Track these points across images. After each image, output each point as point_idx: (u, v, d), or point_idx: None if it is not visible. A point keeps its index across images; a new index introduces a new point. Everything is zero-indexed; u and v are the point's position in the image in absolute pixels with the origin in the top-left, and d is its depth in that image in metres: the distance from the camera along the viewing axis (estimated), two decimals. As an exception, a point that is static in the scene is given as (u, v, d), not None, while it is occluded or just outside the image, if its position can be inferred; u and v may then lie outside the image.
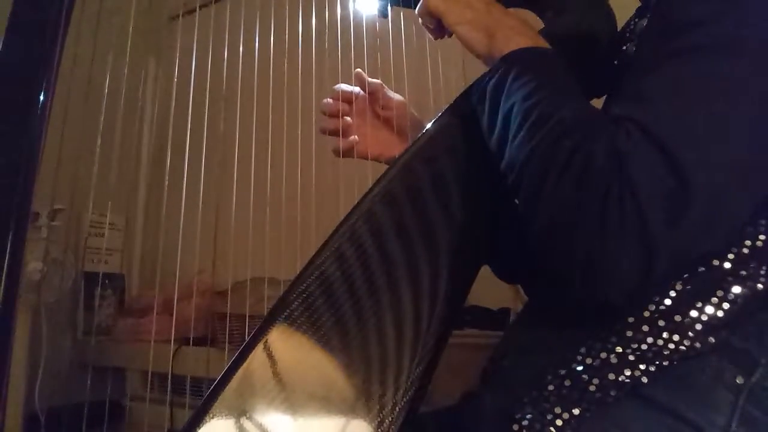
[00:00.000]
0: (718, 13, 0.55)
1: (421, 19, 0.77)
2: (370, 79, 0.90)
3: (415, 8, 0.80)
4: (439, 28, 0.75)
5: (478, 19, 0.70)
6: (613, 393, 0.56)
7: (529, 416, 0.58)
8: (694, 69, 0.54)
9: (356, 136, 0.88)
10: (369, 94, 0.90)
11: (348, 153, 0.88)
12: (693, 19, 0.55)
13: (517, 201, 0.63)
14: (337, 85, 0.89)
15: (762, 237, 0.56)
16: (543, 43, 0.67)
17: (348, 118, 0.88)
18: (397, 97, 0.91)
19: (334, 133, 0.87)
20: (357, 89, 0.90)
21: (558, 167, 0.55)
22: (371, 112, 0.91)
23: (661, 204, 0.50)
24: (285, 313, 0.61)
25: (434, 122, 0.73)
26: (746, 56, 0.53)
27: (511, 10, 0.88)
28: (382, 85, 0.90)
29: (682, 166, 0.50)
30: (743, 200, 0.54)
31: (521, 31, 0.68)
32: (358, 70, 0.90)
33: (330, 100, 0.89)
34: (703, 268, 0.56)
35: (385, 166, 0.79)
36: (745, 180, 0.53)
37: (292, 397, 0.58)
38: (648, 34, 0.67)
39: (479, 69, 0.71)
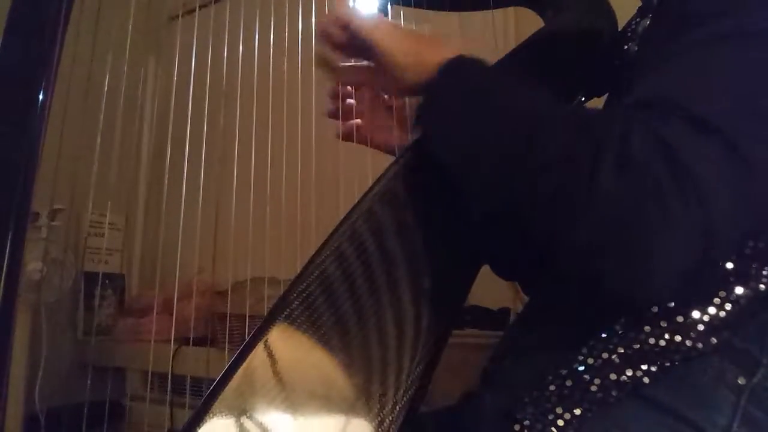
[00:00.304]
0: (728, 3, 0.54)
1: (330, 37, 0.71)
2: None
3: (415, 7, 0.80)
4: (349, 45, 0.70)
5: (398, 31, 0.68)
6: (614, 393, 0.56)
7: (530, 416, 0.58)
8: (720, 55, 0.53)
9: (359, 120, 0.87)
10: None
11: (348, 137, 0.88)
12: (707, 11, 0.55)
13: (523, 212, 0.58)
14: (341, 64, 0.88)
15: (764, 238, 0.56)
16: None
17: (350, 101, 0.87)
18: None
19: (335, 115, 0.86)
20: None
21: (589, 165, 0.50)
22: (376, 100, 0.90)
23: (722, 190, 0.48)
24: (285, 313, 0.61)
25: None
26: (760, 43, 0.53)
27: (510, 9, 0.88)
28: None
29: (734, 143, 0.48)
30: None
31: (445, 42, 0.65)
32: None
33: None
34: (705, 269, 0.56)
35: (386, 165, 0.79)
36: None
37: (293, 396, 0.58)
38: (650, 33, 0.67)
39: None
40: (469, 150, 0.60)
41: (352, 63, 0.74)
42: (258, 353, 0.59)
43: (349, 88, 0.87)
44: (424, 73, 0.64)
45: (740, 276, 0.55)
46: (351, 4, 0.90)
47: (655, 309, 0.57)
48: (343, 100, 0.86)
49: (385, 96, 0.89)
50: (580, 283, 0.57)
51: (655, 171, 0.48)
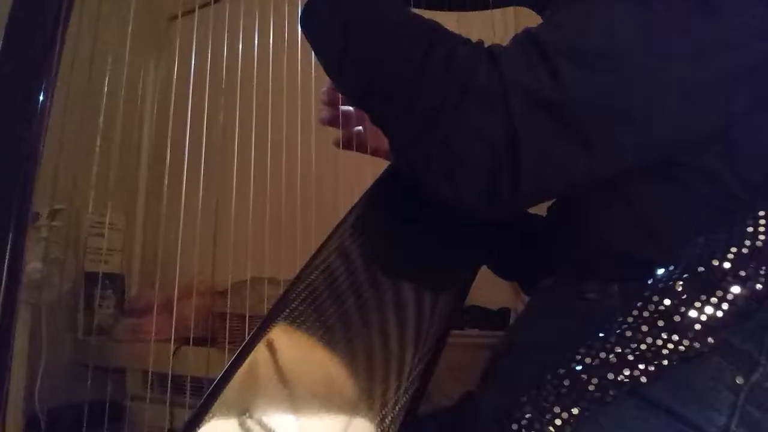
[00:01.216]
0: None
1: None
2: None
3: (414, 7, 0.80)
4: None
5: None
6: (612, 392, 0.56)
7: (528, 416, 0.58)
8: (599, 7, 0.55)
9: (360, 127, 0.86)
10: None
11: (348, 144, 0.86)
12: None
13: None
14: None
15: (762, 237, 0.56)
16: None
17: (350, 108, 0.85)
18: None
19: (332, 123, 0.85)
20: None
21: (421, 59, 0.56)
22: None
23: (532, 103, 0.50)
24: (285, 313, 0.61)
25: None
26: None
27: (510, 9, 0.88)
28: None
29: (559, 73, 0.50)
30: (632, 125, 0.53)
31: None
32: None
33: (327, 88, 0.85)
34: (702, 268, 0.56)
35: (385, 166, 0.79)
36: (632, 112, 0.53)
37: (293, 395, 0.58)
38: None
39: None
40: (334, 46, 0.64)
41: None
42: (258, 353, 0.59)
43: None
44: None
45: (737, 275, 0.56)
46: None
47: (652, 308, 0.57)
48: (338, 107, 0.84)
49: None
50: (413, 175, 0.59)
51: (471, 65, 0.53)
